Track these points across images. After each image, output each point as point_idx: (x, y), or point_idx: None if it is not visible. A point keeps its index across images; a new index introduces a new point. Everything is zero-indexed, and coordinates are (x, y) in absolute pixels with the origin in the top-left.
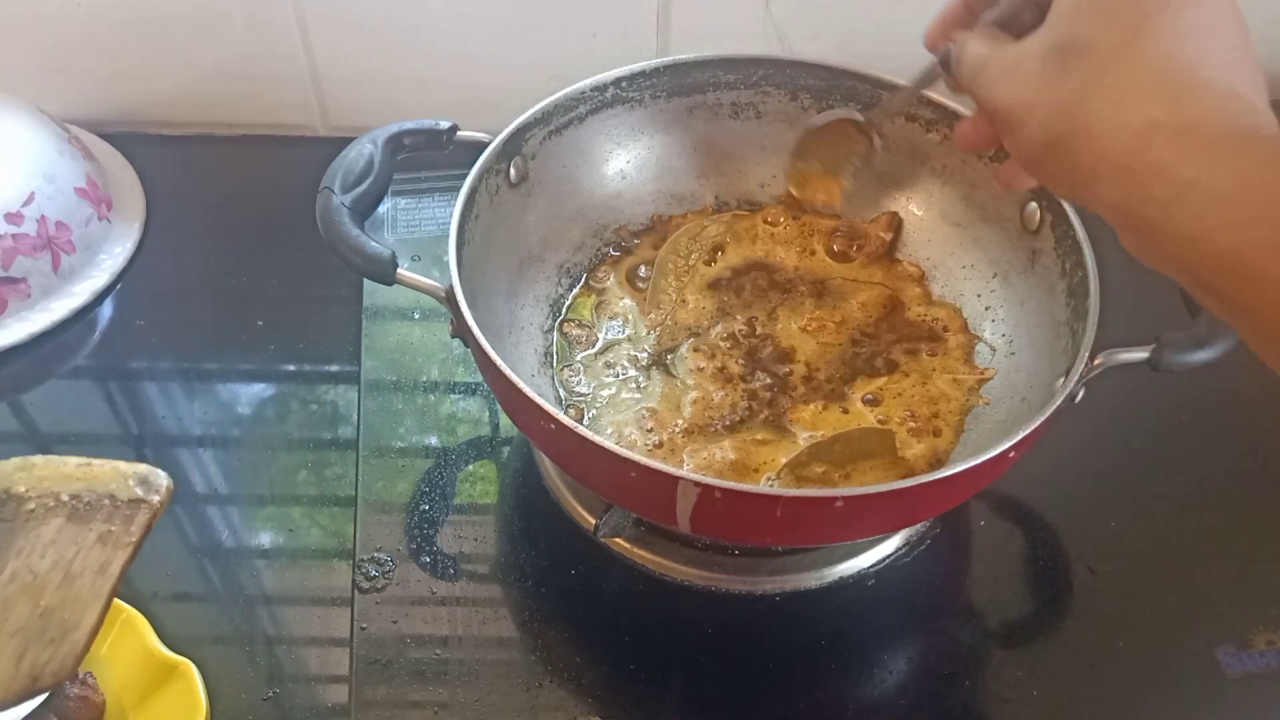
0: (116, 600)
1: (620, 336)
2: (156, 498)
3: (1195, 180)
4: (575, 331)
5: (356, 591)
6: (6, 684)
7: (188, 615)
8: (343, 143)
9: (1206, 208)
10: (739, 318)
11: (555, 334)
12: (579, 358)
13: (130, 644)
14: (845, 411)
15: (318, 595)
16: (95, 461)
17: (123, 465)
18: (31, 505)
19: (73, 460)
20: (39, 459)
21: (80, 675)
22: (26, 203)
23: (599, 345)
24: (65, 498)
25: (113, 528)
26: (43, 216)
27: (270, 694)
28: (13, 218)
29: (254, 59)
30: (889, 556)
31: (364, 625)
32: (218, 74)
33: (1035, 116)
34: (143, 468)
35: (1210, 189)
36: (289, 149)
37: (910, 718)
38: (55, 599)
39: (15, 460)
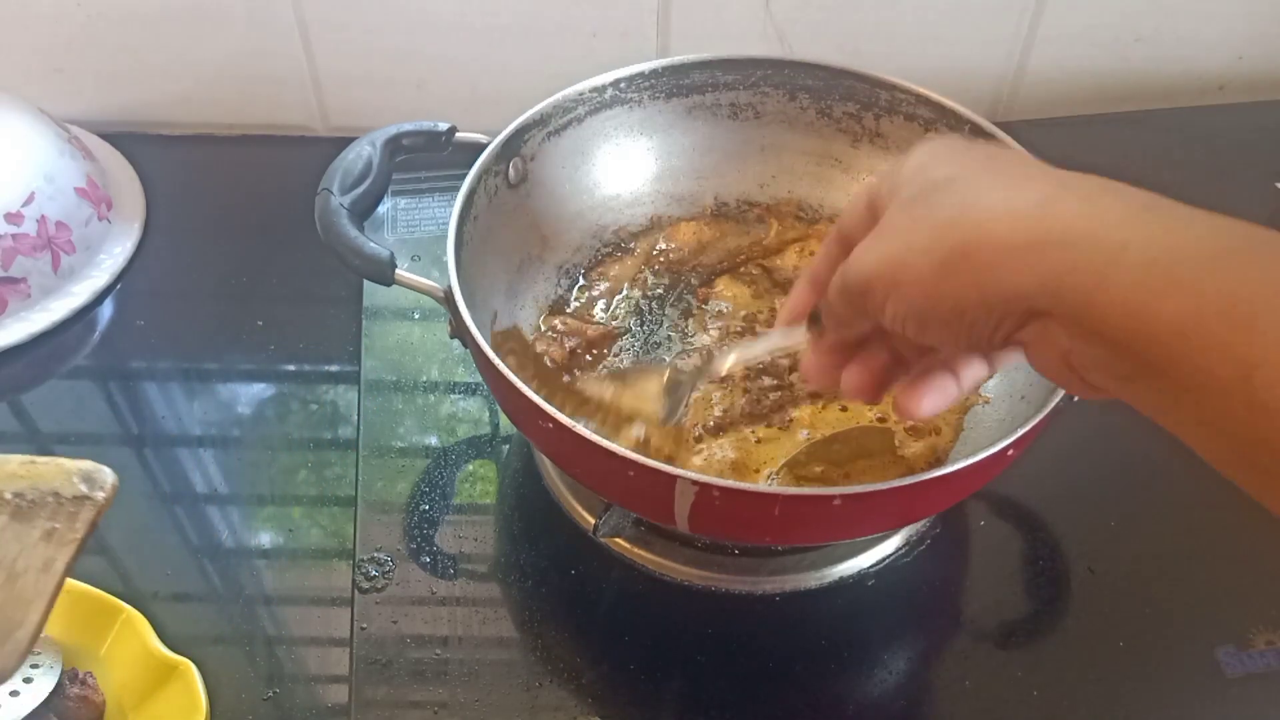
0: (116, 600)
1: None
2: (101, 494)
3: (1127, 241)
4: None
5: (356, 591)
6: None
7: (188, 615)
8: (342, 143)
9: (1145, 269)
10: (738, 317)
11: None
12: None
13: (130, 644)
14: (844, 410)
15: (318, 595)
16: (39, 459)
17: (66, 462)
18: None
19: (15, 458)
20: None
21: (80, 675)
22: (26, 203)
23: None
24: (8, 496)
25: (57, 525)
26: (43, 216)
27: (270, 694)
28: (13, 218)
29: (254, 59)
30: (889, 556)
31: (364, 625)
32: (218, 74)
33: (916, 250)
34: (87, 464)
35: (1145, 248)
36: (289, 149)
37: (910, 718)
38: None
39: None
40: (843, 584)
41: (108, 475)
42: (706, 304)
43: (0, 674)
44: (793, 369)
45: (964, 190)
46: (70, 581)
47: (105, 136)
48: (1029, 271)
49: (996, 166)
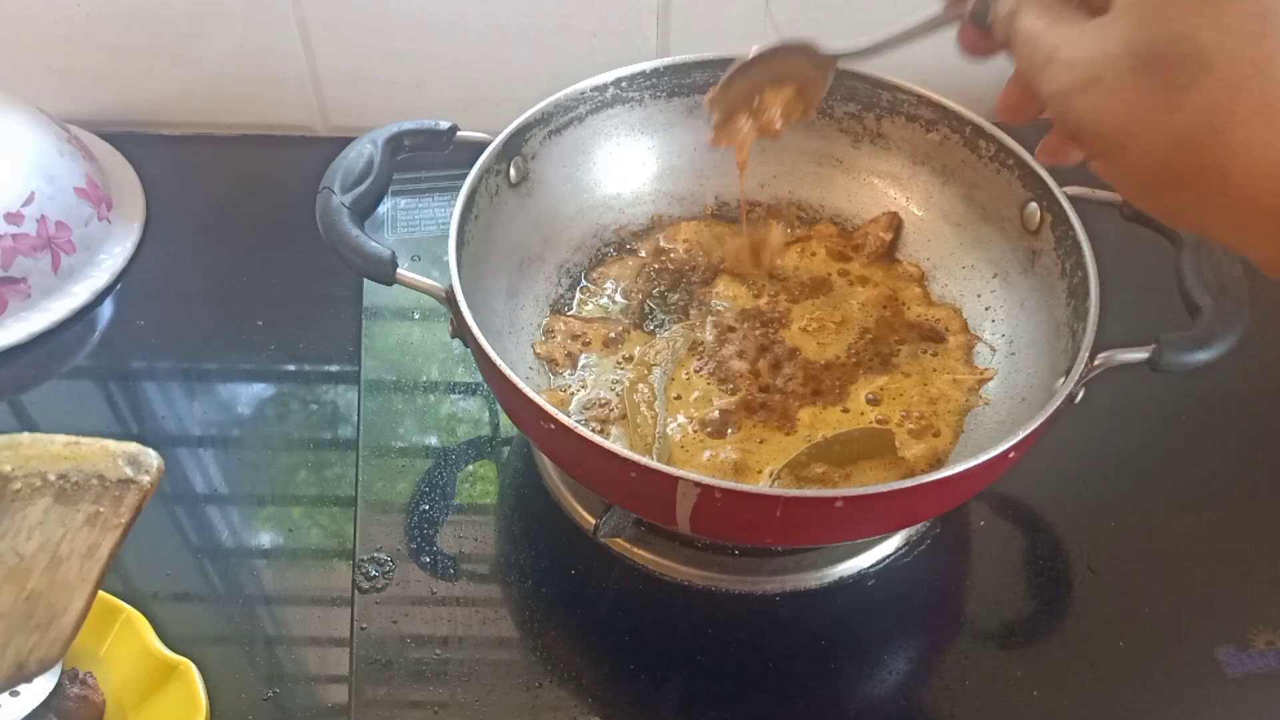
0: (116, 600)
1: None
2: (146, 478)
3: None
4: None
5: (356, 591)
6: None
7: (188, 615)
8: (342, 143)
9: None
10: (738, 316)
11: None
12: (579, 360)
13: (130, 644)
14: (846, 412)
15: (318, 595)
16: (83, 440)
17: (111, 444)
18: (17, 485)
19: (60, 438)
20: (25, 436)
21: (80, 675)
22: (26, 203)
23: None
24: (52, 477)
25: (101, 509)
26: (43, 216)
27: (270, 694)
28: (13, 218)
29: (254, 59)
30: (889, 556)
31: (364, 625)
32: (218, 74)
33: (1142, 145)
34: (132, 446)
35: None
36: (289, 149)
37: (910, 717)
38: (41, 583)
39: (1, 438)
40: (843, 584)
41: (153, 458)
42: (707, 303)
43: (43, 664)
44: (793, 369)
45: (1224, 92)
46: None
47: (105, 136)
48: (1271, 243)
49: (1273, 61)
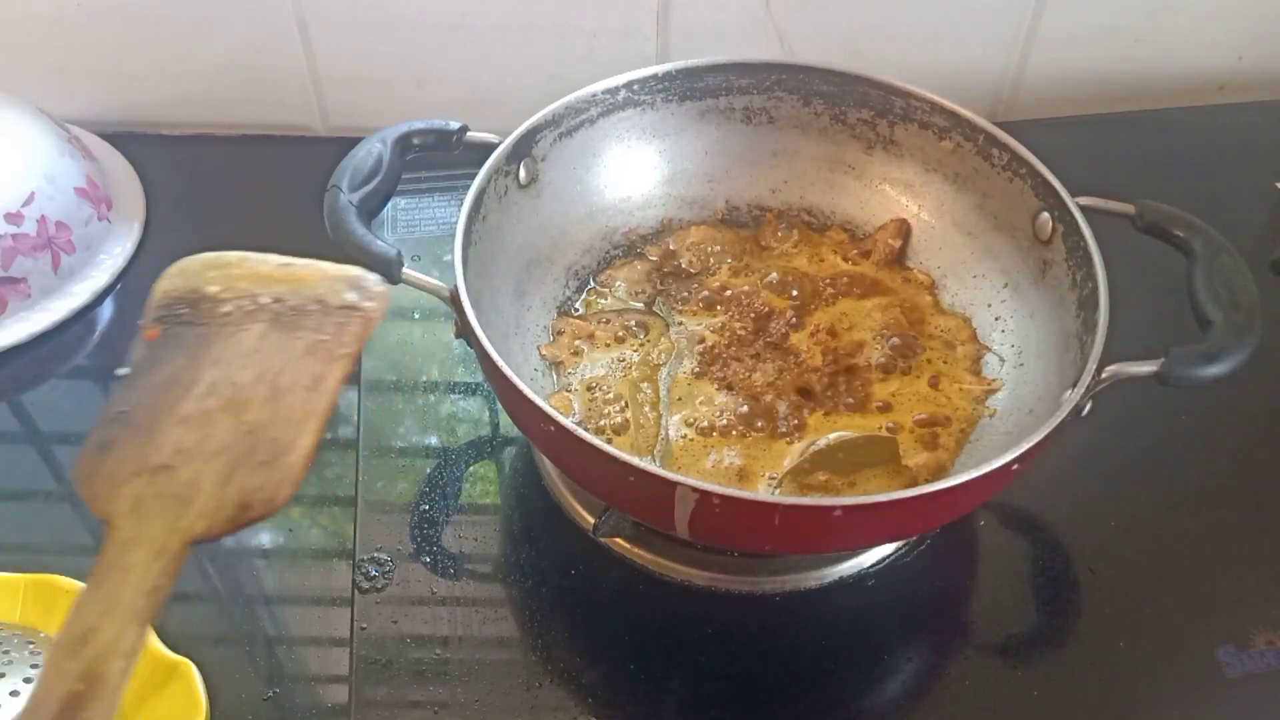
0: None
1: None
2: (371, 304)
3: None
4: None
5: (356, 591)
6: (213, 511)
7: (188, 615)
8: (342, 143)
9: None
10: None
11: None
12: (584, 362)
13: None
14: (851, 419)
15: (318, 595)
16: (298, 261)
17: (330, 267)
18: (228, 308)
19: (272, 258)
20: (233, 255)
21: None
22: (26, 203)
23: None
24: (266, 301)
25: (323, 337)
26: (43, 216)
27: (270, 694)
28: (13, 218)
29: (254, 59)
30: (889, 557)
31: (364, 625)
32: (218, 74)
33: None
34: (354, 270)
35: None
36: (289, 149)
37: (910, 717)
38: (262, 416)
39: (206, 256)
40: (843, 584)
41: (376, 283)
42: (714, 307)
43: (270, 504)
44: (800, 376)
45: None
46: (69, 581)
47: (105, 136)
48: None
49: None
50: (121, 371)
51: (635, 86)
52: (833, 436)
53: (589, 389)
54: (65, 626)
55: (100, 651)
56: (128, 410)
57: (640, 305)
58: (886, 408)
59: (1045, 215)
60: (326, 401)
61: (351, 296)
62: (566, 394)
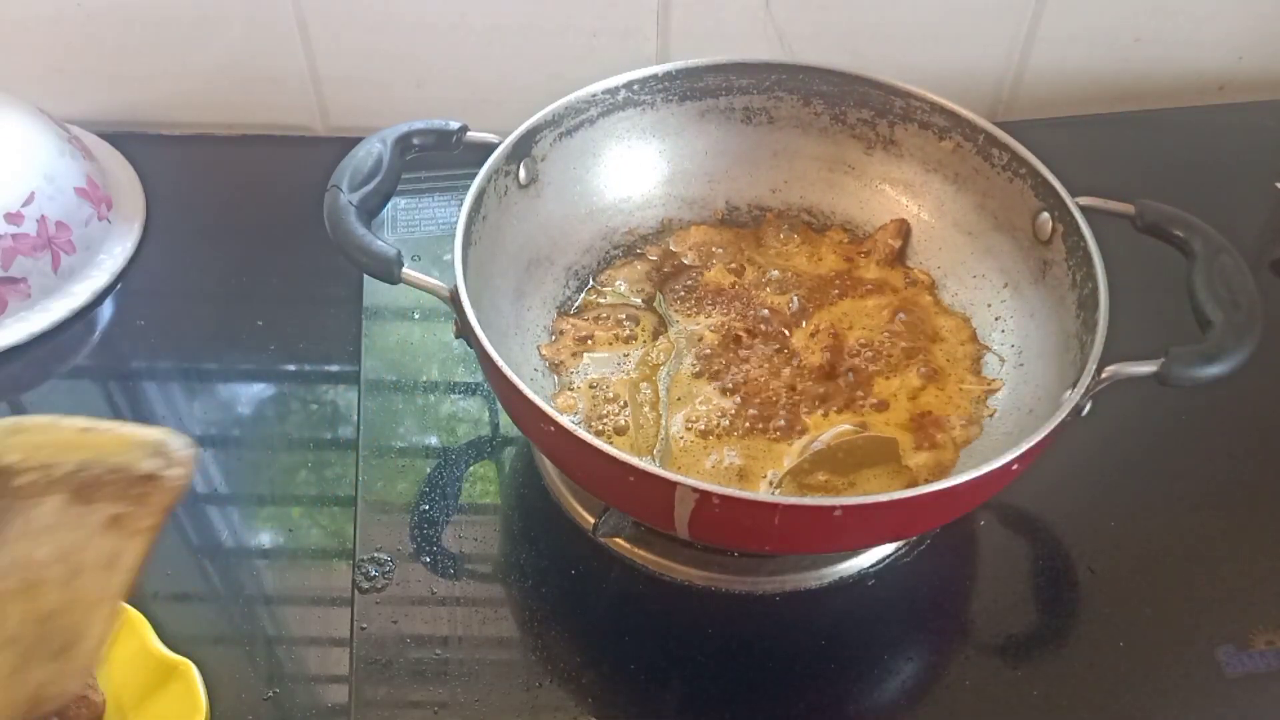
0: None
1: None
2: (175, 471)
3: None
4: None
5: (356, 591)
6: (4, 706)
7: (188, 615)
8: (342, 143)
9: None
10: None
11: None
12: (584, 362)
13: (130, 644)
14: (852, 419)
15: (318, 595)
16: (99, 425)
17: (132, 430)
18: (25, 478)
19: (71, 423)
20: (32, 420)
21: None
22: (26, 203)
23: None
24: (66, 470)
25: (124, 509)
26: (43, 216)
27: (270, 694)
28: (13, 218)
29: (254, 59)
30: (889, 556)
31: (364, 625)
32: (218, 74)
33: None
34: (156, 433)
35: None
36: (289, 149)
37: (910, 717)
38: (57, 600)
39: (5, 421)
40: (843, 584)
41: (182, 447)
42: (715, 307)
43: (62, 695)
44: (800, 376)
45: None
46: None
47: (105, 136)
48: None
49: None
50: None
51: (635, 86)
52: (832, 436)
53: (590, 388)
54: None
55: None
56: None
57: (640, 305)
58: (886, 407)
59: (1045, 215)
60: (122, 581)
61: (153, 464)
62: (570, 392)
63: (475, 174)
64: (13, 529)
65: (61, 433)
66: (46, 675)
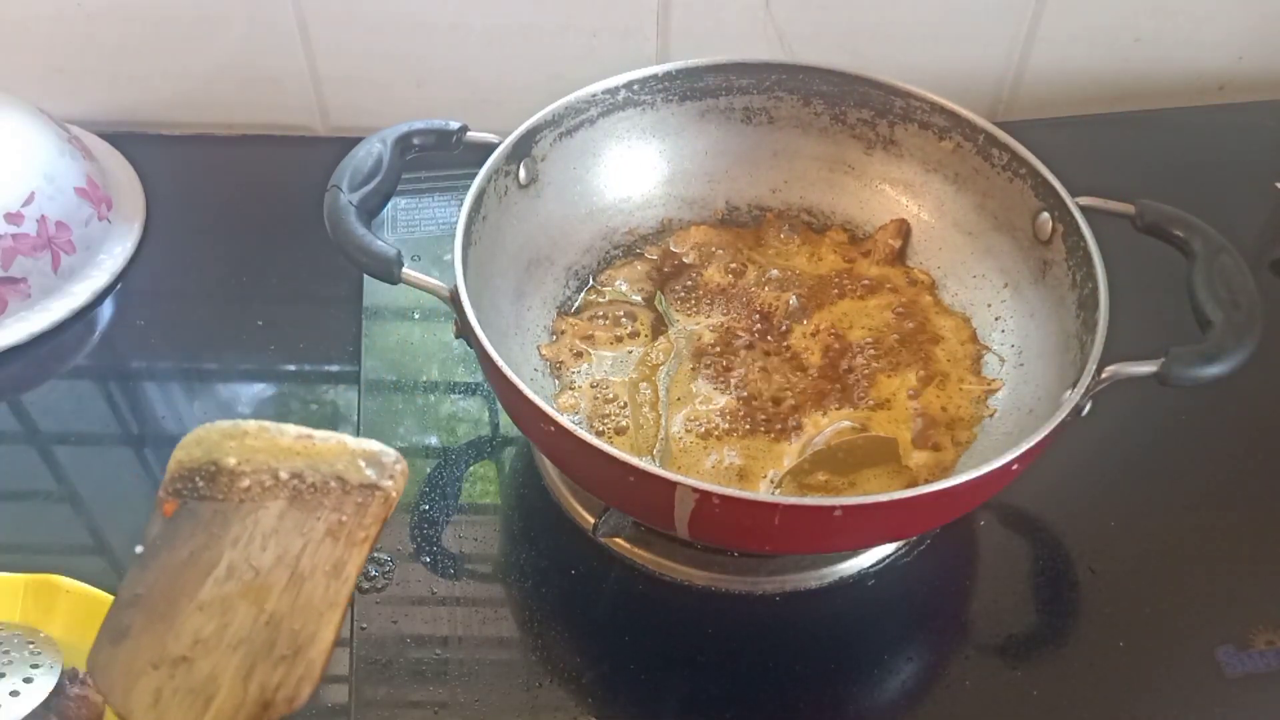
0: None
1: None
2: (390, 484)
3: None
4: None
5: (356, 591)
6: (233, 711)
7: None
8: (342, 143)
9: None
10: (748, 320)
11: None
12: (584, 362)
13: None
14: (852, 419)
15: None
16: (316, 434)
17: (350, 441)
18: (246, 482)
19: (289, 430)
20: (251, 425)
21: (80, 675)
22: (26, 203)
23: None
24: (284, 475)
25: (344, 518)
26: (43, 216)
27: None
28: (13, 218)
29: (254, 59)
30: (889, 556)
31: (364, 625)
32: (218, 74)
33: None
34: (372, 445)
35: None
36: (289, 149)
37: (910, 717)
38: (283, 605)
39: (222, 425)
40: (843, 584)
41: (394, 459)
42: (714, 307)
43: (291, 703)
44: (800, 375)
45: None
46: (69, 581)
47: (105, 136)
48: None
49: None
50: (138, 550)
51: (635, 86)
52: (832, 434)
53: (591, 388)
54: None
55: None
56: (144, 593)
57: (640, 305)
58: (886, 407)
59: (1045, 215)
60: (348, 590)
61: (371, 474)
62: (571, 392)
63: (475, 174)
64: (233, 532)
65: (280, 438)
66: (276, 679)
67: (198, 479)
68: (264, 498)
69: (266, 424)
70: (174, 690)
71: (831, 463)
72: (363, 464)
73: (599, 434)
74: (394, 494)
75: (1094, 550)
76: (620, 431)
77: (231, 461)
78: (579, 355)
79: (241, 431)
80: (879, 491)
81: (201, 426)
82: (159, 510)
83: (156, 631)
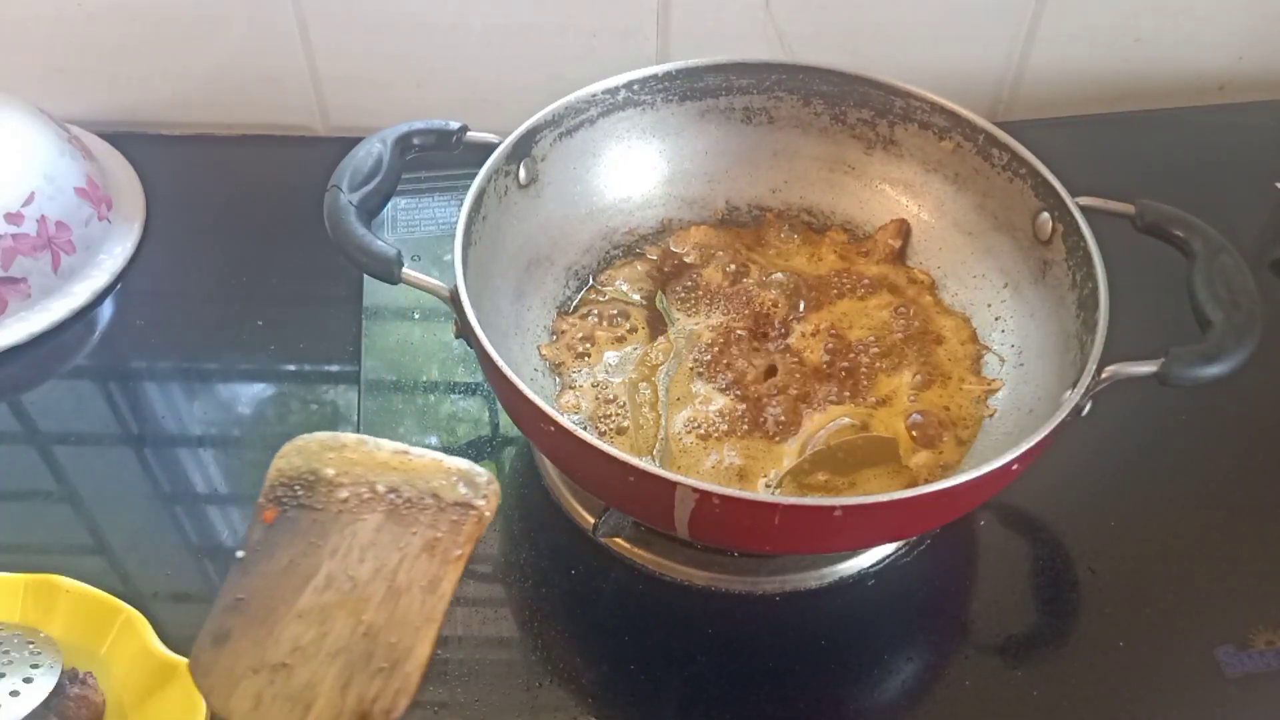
0: (116, 600)
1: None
2: (483, 503)
3: None
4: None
5: None
6: (331, 718)
7: (188, 615)
8: (342, 143)
9: None
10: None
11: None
12: (584, 362)
13: (130, 644)
14: (851, 419)
15: None
16: (412, 450)
17: (445, 460)
18: (344, 494)
19: (386, 445)
20: (349, 438)
21: (80, 675)
22: (26, 203)
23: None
24: (381, 489)
25: (439, 534)
26: (43, 216)
27: None
28: (13, 218)
29: (254, 59)
30: (889, 556)
31: None
32: (218, 74)
33: None
34: (464, 464)
35: None
36: (289, 149)
37: (910, 717)
38: (380, 617)
39: (321, 435)
40: (843, 584)
41: (489, 479)
42: (716, 307)
43: (390, 715)
44: (800, 376)
45: None
46: (69, 581)
47: (105, 136)
48: None
49: None
50: (239, 554)
51: (635, 86)
52: (832, 433)
53: (592, 388)
54: None
55: None
56: (245, 598)
57: (640, 305)
58: (886, 406)
59: (1045, 215)
60: (443, 607)
61: (465, 492)
62: (572, 392)
63: (475, 174)
64: (331, 542)
65: (378, 453)
66: (373, 691)
67: (297, 487)
68: (361, 510)
69: (365, 437)
70: (274, 696)
71: (831, 463)
72: (458, 482)
73: (599, 434)
74: (487, 514)
75: (1094, 550)
76: (620, 431)
77: (330, 472)
78: (579, 355)
79: (340, 444)
80: (879, 491)
81: (300, 437)
82: (259, 517)
83: (257, 636)
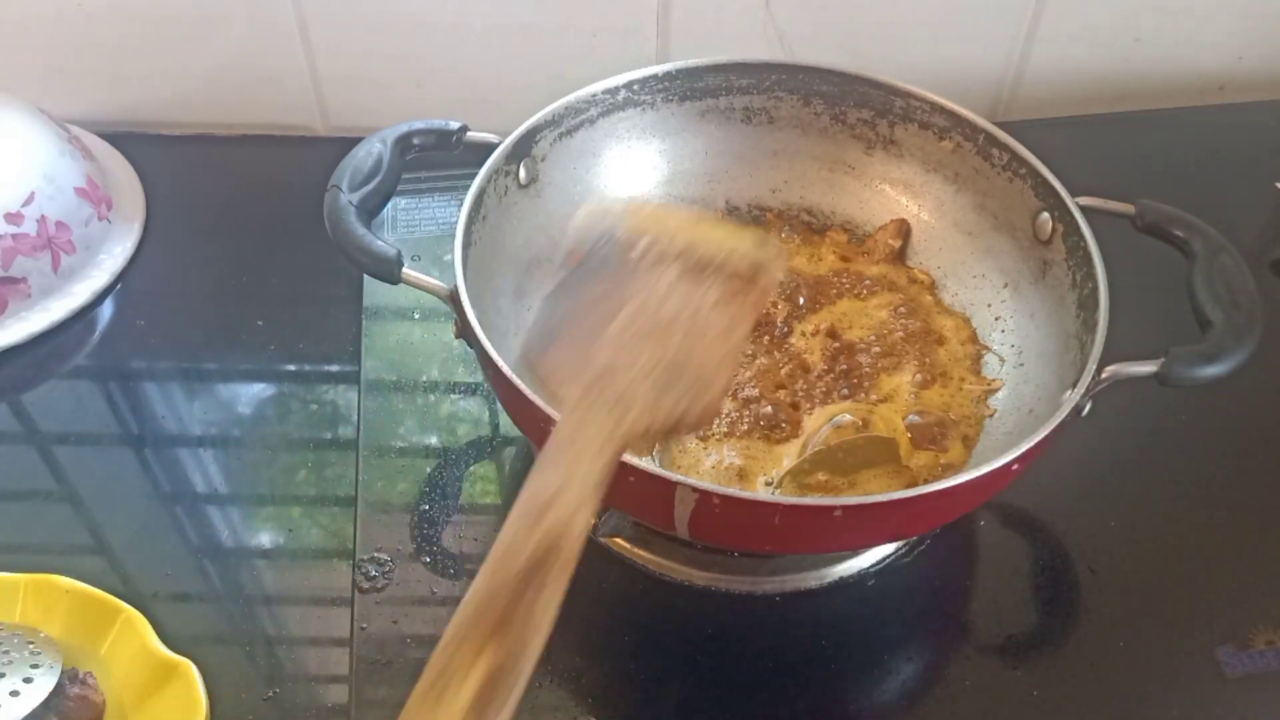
0: (116, 600)
1: None
2: (766, 278)
3: None
4: None
5: (356, 591)
6: (645, 425)
7: (188, 615)
8: (342, 143)
9: None
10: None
11: None
12: None
13: (130, 644)
14: (852, 419)
15: (318, 595)
16: (706, 216)
17: (733, 230)
18: (643, 247)
19: (684, 211)
20: (649, 205)
21: (80, 675)
22: (26, 203)
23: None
24: (675, 249)
25: (731, 290)
26: (43, 216)
27: (270, 694)
28: (13, 218)
29: (254, 59)
30: (889, 556)
31: (364, 625)
32: (218, 74)
33: None
34: (750, 235)
35: None
36: (289, 149)
37: (910, 717)
38: (681, 352)
39: (617, 199)
40: (843, 584)
41: (773, 250)
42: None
43: (700, 420)
44: (800, 376)
45: None
46: (69, 581)
47: (105, 136)
48: None
49: None
50: (549, 288)
51: (635, 86)
52: (832, 435)
53: None
54: (523, 500)
55: (559, 520)
56: (559, 321)
57: None
58: (887, 404)
59: (1045, 215)
60: (738, 351)
61: (753, 260)
62: None
63: (475, 174)
64: (634, 287)
65: (673, 219)
66: (681, 408)
67: (599, 241)
68: (658, 265)
69: (664, 205)
70: (594, 400)
71: (831, 463)
72: (747, 249)
73: None
74: (771, 284)
75: (1094, 550)
76: None
77: (626, 232)
78: None
79: (637, 207)
80: (879, 491)
81: (596, 202)
82: (568, 260)
83: (576, 348)
